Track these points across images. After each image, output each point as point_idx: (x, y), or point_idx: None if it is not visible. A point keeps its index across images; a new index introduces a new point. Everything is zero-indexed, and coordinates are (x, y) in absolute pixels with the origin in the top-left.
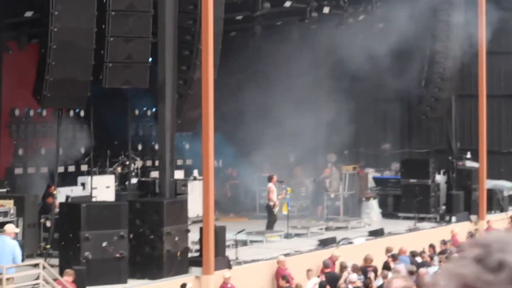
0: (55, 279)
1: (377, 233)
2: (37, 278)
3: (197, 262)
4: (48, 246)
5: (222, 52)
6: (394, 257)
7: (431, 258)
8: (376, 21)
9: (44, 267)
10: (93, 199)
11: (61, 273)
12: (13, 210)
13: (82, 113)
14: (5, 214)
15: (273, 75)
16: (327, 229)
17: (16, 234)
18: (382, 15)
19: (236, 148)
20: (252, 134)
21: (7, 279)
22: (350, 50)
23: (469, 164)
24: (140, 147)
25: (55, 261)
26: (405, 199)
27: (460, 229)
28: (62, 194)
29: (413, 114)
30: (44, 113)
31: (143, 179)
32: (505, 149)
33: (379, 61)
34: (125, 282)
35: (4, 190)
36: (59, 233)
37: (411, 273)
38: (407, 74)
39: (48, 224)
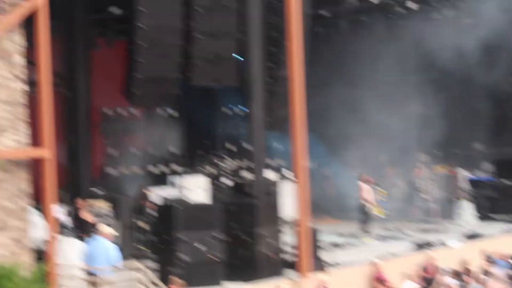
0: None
1: (472, 236)
2: (135, 281)
3: (292, 264)
4: (145, 249)
5: (308, 48)
6: (491, 261)
7: None
8: (464, 16)
9: (142, 270)
10: (186, 200)
11: (161, 276)
12: (109, 212)
13: (172, 111)
14: (101, 215)
15: (359, 71)
16: (421, 231)
17: (113, 236)
18: (471, 10)
19: (325, 147)
20: (340, 132)
21: (105, 282)
22: (438, 45)
23: None
24: (230, 146)
25: (150, 263)
26: (500, 201)
27: None
28: (154, 194)
29: (503, 112)
30: (135, 111)
31: (235, 179)
32: None
33: (468, 57)
34: (219, 284)
35: (99, 191)
36: (154, 235)
37: (510, 277)
38: (496, 70)
39: (142, 225)
